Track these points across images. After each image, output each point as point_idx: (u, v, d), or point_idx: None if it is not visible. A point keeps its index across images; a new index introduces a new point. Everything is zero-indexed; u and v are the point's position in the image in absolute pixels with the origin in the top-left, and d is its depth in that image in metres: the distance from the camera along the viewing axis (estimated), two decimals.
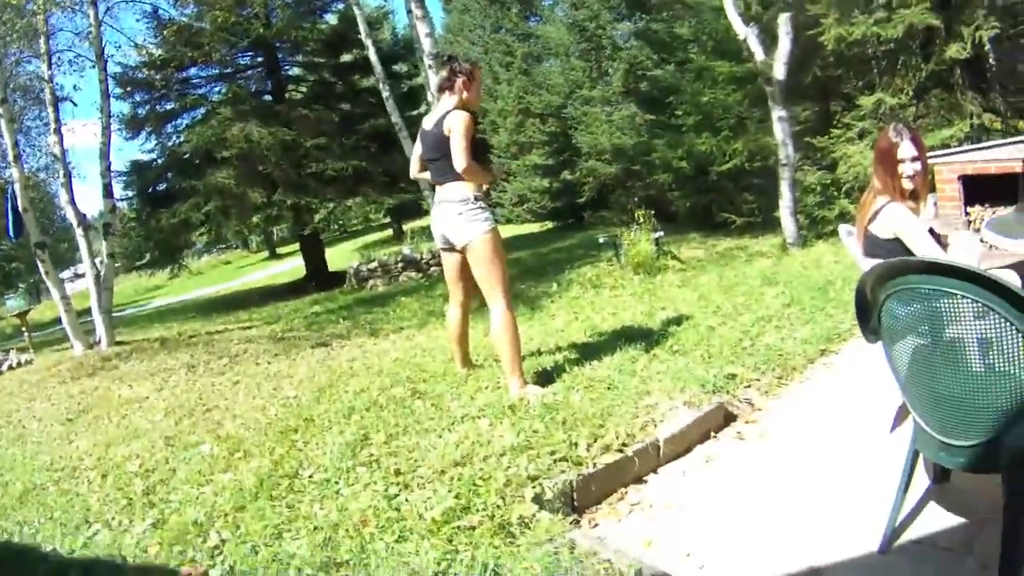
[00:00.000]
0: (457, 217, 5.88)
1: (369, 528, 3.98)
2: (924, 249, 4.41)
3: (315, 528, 4.05)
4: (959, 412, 3.04)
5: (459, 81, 5.91)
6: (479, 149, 6.27)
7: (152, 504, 4.96)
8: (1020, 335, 2.73)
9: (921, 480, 3.83)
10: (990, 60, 12.64)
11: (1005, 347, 2.81)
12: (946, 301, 2.94)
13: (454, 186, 5.88)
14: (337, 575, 3.63)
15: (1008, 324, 2.74)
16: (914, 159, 4.54)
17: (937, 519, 3.73)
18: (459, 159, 5.62)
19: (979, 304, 2.80)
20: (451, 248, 6.15)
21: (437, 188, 6.10)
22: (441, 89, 6.06)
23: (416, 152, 6.36)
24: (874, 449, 4.53)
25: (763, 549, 3.72)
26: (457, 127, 5.65)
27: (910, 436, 3.49)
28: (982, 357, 2.93)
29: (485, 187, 6.17)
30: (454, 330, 6.73)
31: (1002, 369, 2.87)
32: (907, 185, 4.59)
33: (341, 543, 3.87)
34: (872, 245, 4.68)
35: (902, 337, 3.27)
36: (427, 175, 6.32)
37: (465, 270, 6.18)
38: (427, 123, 6.07)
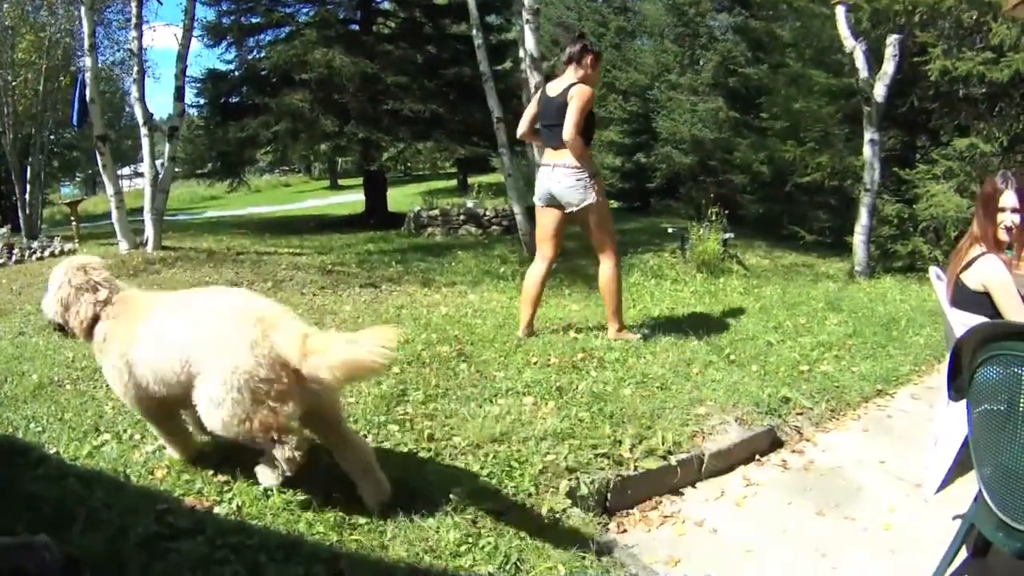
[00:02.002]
0: (575, 182, 6.37)
1: (391, 492, 3.84)
2: (1012, 310, 4.21)
3: (334, 482, 3.92)
4: None
5: (589, 58, 6.46)
6: (589, 125, 6.50)
7: None
8: None
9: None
10: None
11: None
12: None
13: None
14: (349, 537, 3.48)
15: None
16: (1015, 210, 4.35)
17: None
18: (568, 129, 6.14)
19: None
20: (554, 206, 6.61)
21: (549, 151, 6.59)
22: (569, 61, 6.51)
23: (529, 113, 6.82)
24: (916, 507, 4.42)
25: None
26: (577, 99, 6.16)
27: (969, 506, 3.31)
28: None
29: None
30: (532, 289, 6.92)
31: None
32: (1003, 236, 4.42)
33: (359, 502, 3.73)
34: (960, 294, 4.48)
35: (986, 401, 3.08)
36: (535, 138, 7.01)
37: (560, 228, 6.78)
38: (551, 90, 6.51)
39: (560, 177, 6.42)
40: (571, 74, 6.49)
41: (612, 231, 6.77)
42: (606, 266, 6.73)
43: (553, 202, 6.59)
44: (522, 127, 6.95)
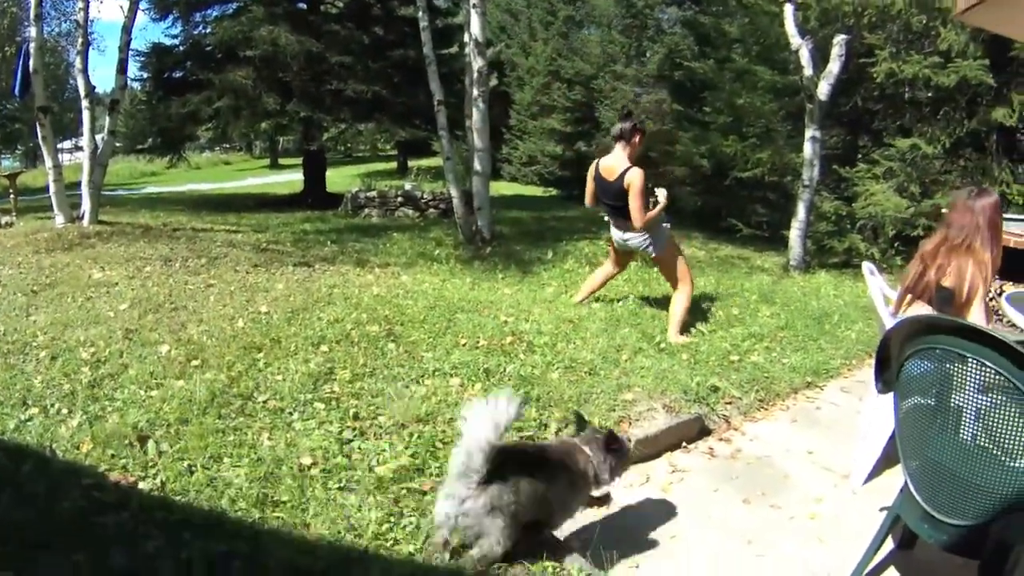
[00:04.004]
0: (645, 243, 7.10)
1: (315, 470, 3.78)
2: (978, 319, 4.22)
3: (258, 459, 3.88)
4: (953, 487, 2.87)
5: (638, 136, 7.05)
6: (647, 194, 7.04)
7: (95, 398, 4.76)
8: None
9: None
10: (1020, 134, 12.44)
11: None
12: (959, 366, 2.80)
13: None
14: (271, 514, 3.44)
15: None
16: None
17: None
18: (637, 218, 6.81)
19: (1001, 377, 2.64)
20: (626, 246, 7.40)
21: (618, 221, 7.25)
22: (619, 137, 7.04)
23: (589, 189, 7.36)
24: (843, 498, 4.44)
25: None
26: (635, 187, 6.75)
27: (895, 498, 3.30)
28: (986, 434, 2.75)
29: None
30: (596, 280, 8.00)
31: (1007, 452, 2.71)
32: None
33: (282, 480, 3.70)
34: (943, 302, 4.45)
35: (914, 395, 3.07)
36: (601, 206, 7.45)
37: (625, 259, 7.87)
38: (605, 172, 7.06)
39: (632, 242, 7.21)
40: (620, 151, 7.02)
41: (683, 268, 7.23)
42: (682, 294, 7.13)
43: (628, 248, 7.43)
44: (588, 201, 7.48)
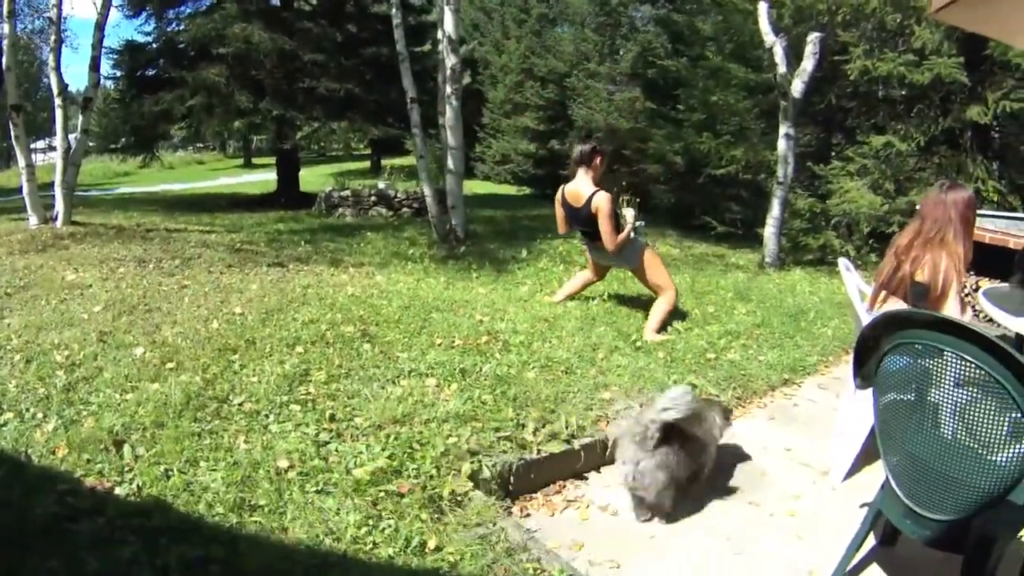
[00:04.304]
0: (616, 259, 7.24)
1: (292, 473, 3.75)
2: (953, 312, 4.22)
3: (235, 463, 3.83)
4: (934, 483, 2.86)
5: (598, 159, 7.08)
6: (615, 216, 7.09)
7: (70, 402, 4.70)
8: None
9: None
10: (994, 131, 12.52)
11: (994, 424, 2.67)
12: (937, 361, 2.81)
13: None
14: (249, 518, 3.40)
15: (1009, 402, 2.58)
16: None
17: None
18: (608, 242, 6.89)
19: (980, 371, 2.64)
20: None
21: (591, 245, 7.42)
22: (580, 162, 7.08)
23: (559, 216, 7.44)
24: (822, 494, 4.45)
25: None
26: (603, 211, 6.81)
27: (876, 494, 3.31)
28: (965, 429, 2.75)
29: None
30: (575, 284, 8.02)
31: (986, 447, 2.71)
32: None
33: (259, 484, 3.66)
34: (918, 296, 4.45)
35: (893, 391, 3.07)
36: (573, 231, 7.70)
37: (604, 269, 7.88)
38: (571, 198, 7.14)
39: (606, 259, 7.41)
40: (583, 175, 7.08)
41: (664, 277, 7.23)
42: (664, 299, 7.12)
43: (602, 262, 7.65)
44: (561, 228, 7.57)
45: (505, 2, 30.80)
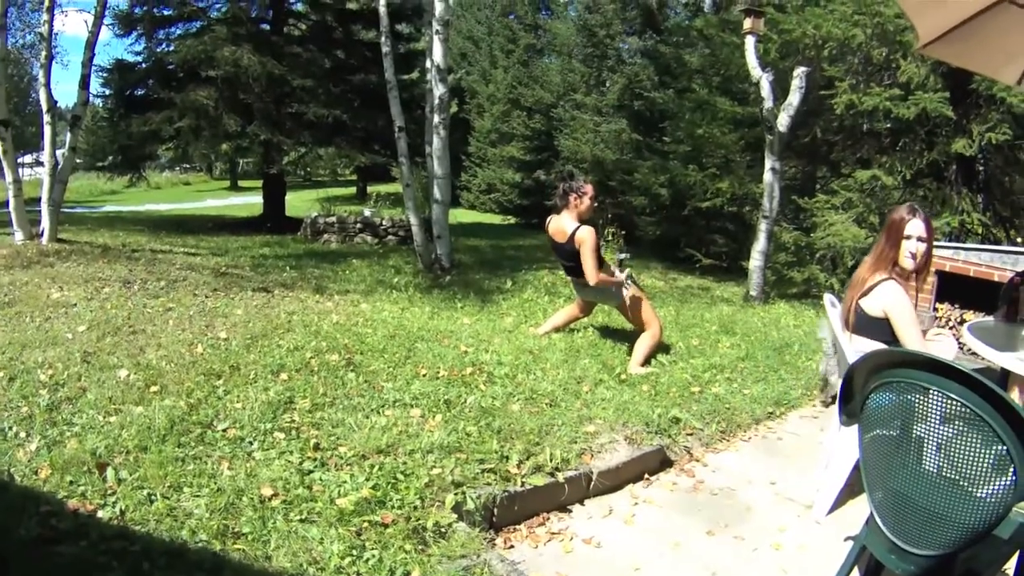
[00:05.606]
0: (602, 295, 7.30)
1: (276, 502, 3.74)
2: (911, 340, 4.26)
3: (218, 489, 3.82)
4: (919, 518, 2.85)
5: (571, 198, 7.08)
6: (600, 253, 7.20)
7: (54, 422, 4.68)
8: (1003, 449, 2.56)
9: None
10: (979, 164, 12.61)
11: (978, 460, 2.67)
12: (921, 397, 2.81)
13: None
14: (232, 546, 3.39)
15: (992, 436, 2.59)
16: (920, 239, 4.41)
17: None
18: (591, 276, 6.86)
19: (965, 408, 2.65)
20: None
21: (575, 280, 7.43)
22: (564, 198, 7.13)
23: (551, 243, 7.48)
24: (807, 528, 4.44)
25: None
26: (586, 245, 6.84)
27: (860, 529, 3.32)
28: (950, 464, 2.76)
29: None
30: (560, 318, 8.02)
31: (971, 481, 2.71)
32: (907, 264, 4.45)
33: (243, 512, 3.64)
34: (860, 320, 4.51)
35: (878, 427, 3.08)
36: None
37: (590, 305, 7.88)
38: (555, 234, 7.20)
39: (592, 294, 7.41)
40: (566, 213, 7.12)
41: (649, 312, 7.27)
42: (648, 334, 7.16)
43: (587, 298, 7.67)
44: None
45: (493, 32, 30.99)
